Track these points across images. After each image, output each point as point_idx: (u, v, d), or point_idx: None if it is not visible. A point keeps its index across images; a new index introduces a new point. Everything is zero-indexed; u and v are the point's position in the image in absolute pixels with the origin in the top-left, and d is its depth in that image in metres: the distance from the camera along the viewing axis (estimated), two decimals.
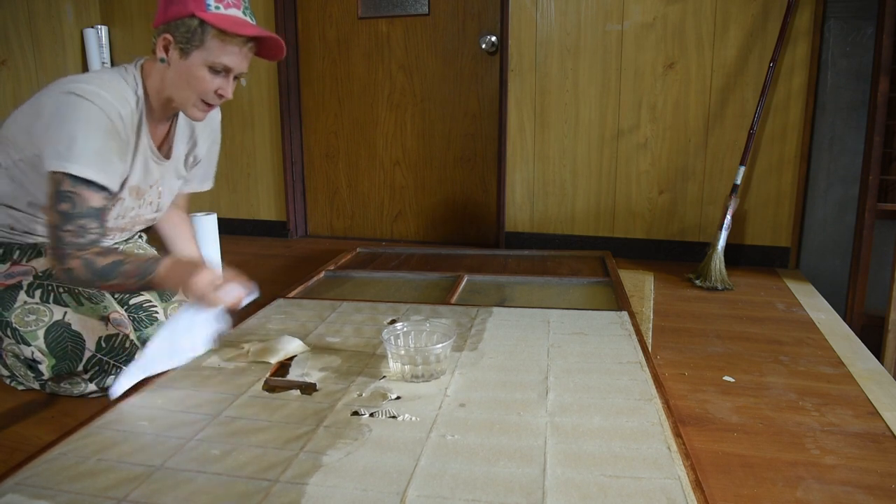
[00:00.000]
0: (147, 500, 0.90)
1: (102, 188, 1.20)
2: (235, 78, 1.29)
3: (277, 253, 2.78)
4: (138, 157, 1.31)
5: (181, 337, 1.25)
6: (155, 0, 1.25)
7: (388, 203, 3.04)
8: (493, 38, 2.69)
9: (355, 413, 1.15)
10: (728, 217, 2.26)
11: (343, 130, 3.03)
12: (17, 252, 1.34)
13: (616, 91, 2.52)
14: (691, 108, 2.46)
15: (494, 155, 2.81)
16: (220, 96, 1.28)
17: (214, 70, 1.24)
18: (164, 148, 1.40)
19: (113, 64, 3.16)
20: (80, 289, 1.35)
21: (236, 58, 1.24)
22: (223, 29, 1.19)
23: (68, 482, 0.94)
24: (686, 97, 2.45)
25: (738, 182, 2.29)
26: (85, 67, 3.09)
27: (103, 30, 3.10)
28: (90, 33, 3.05)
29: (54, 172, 1.16)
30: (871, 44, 2.22)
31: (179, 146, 1.44)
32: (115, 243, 1.52)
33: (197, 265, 1.22)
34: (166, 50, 1.24)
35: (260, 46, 1.29)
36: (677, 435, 1.06)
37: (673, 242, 2.57)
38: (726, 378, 1.42)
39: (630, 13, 2.45)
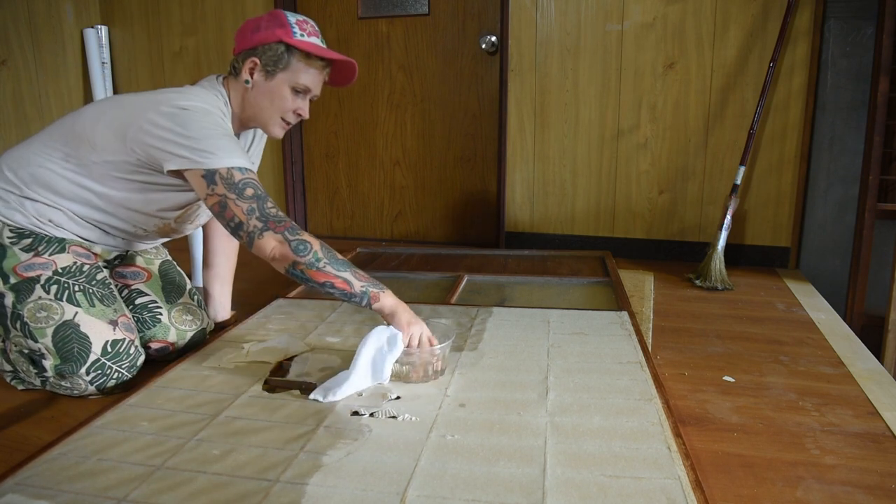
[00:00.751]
0: (147, 500, 0.90)
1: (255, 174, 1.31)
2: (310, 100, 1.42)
3: None
4: None
5: (382, 357, 1.25)
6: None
7: (388, 203, 3.04)
8: (493, 38, 2.69)
9: (355, 413, 1.15)
10: (728, 217, 2.26)
11: (343, 130, 3.03)
12: (44, 245, 1.35)
13: (616, 91, 2.52)
14: (691, 108, 2.46)
15: (494, 155, 2.81)
16: (299, 115, 1.41)
17: (296, 91, 1.38)
18: None
19: (113, 64, 3.16)
20: (94, 289, 1.36)
21: (315, 79, 1.39)
22: (308, 52, 1.34)
23: (68, 482, 0.94)
24: (686, 97, 2.45)
25: (738, 182, 2.29)
26: (85, 67, 3.09)
27: (103, 30, 3.10)
28: (90, 33, 3.05)
29: (215, 171, 1.23)
30: (871, 44, 2.22)
31: None
32: (153, 245, 1.61)
33: (413, 313, 1.30)
34: (252, 72, 1.36)
35: (332, 73, 1.43)
36: (677, 435, 1.06)
37: (673, 242, 2.57)
38: (726, 378, 1.42)
39: (630, 13, 2.45)
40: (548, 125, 2.62)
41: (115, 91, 3.18)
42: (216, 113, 1.32)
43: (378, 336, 1.25)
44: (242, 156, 1.27)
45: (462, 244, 2.92)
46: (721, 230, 2.26)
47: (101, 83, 3.09)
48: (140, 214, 1.41)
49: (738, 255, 2.46)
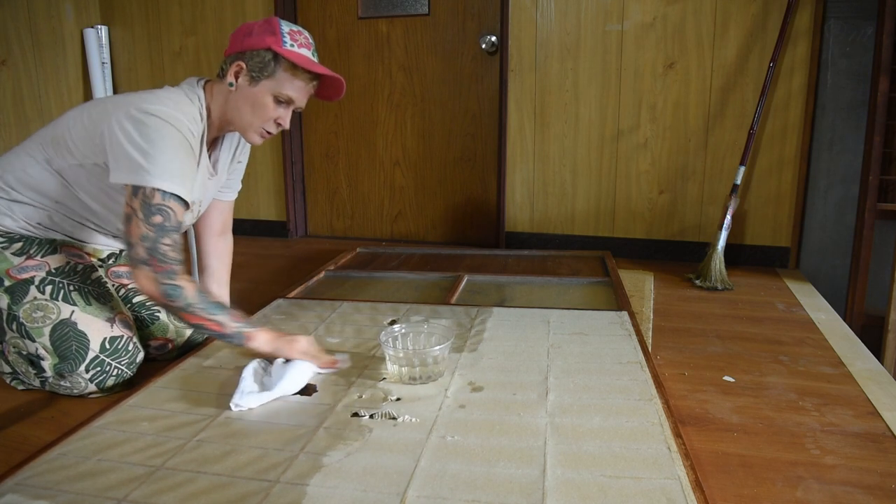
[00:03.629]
0: (147, 500, 0.90)
1: (186, 204, 1.27)
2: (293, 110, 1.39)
3: (277, 253, 2.79)
4: (199, 173, 1.38)
5: (292, 372, 1.26)
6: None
7: (388, 203, 3.04)
8: (493, 38, 2.69)
9: (355, 414, 1.15)
10: (728, 217, 2.26)
11: (343, 130, 3.03)
12: (35, 247, 1.36)
13: (616, 91, 2.52)
14: (691, 108, 2.46)
15: (494, 155, 2.81)
16: (279, 125, 1.38)
17: (278, 100, 1.34)
18: (212, 163, 1.48)
19: (113, 64, 3.16)
20: (89, 288, 1.37)
21: (300, 92, 1.35)
22: (295, 63, 1.30)
23: (68, 482, 0.94)
24: (686, 97, 2.45)
25: (738, 182, 2.29)
26: (85, 67, 3.09)
27: (103, 30, 3.10)
28: (90, 33, 3.05)
29: (142, 187, 1.20)
30: (871, 44, 2.22)
31: (224, 161, 1.52)
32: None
33: (293, 336, 1.31)
34: (237, 76, 1.33)
35: (320, 86, 1.41)
36: (677, 435, 1.06)
37: (673, 242, 2.57)
38: (726, 378, 1.42)
39: (630, 13, 2.45)
40: (548, 125, 2.62)
41: (115, 91, 3.18)
42: (184, 122, 1.27)
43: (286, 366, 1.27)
44: (179, 181, 1.23)
45: (462, 244, 2.92)
46: (721, 230, 2.26)
47: (101, 83, 3.10)
48: (117, 217, 1.39)
49: (738, 255, 2.46)
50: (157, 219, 1.20)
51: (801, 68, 2.31)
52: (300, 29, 1.35)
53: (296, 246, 2.95)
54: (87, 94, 3.11)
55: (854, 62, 2.27)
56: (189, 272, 1.70)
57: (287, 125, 1.38)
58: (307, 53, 1.34)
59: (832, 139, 2.34)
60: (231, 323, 1.25)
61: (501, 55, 2.62)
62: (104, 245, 1.49)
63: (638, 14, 2.44)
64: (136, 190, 1.20)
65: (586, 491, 0.91)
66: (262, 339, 1.28)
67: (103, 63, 3.11)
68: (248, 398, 1.18)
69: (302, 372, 1.25)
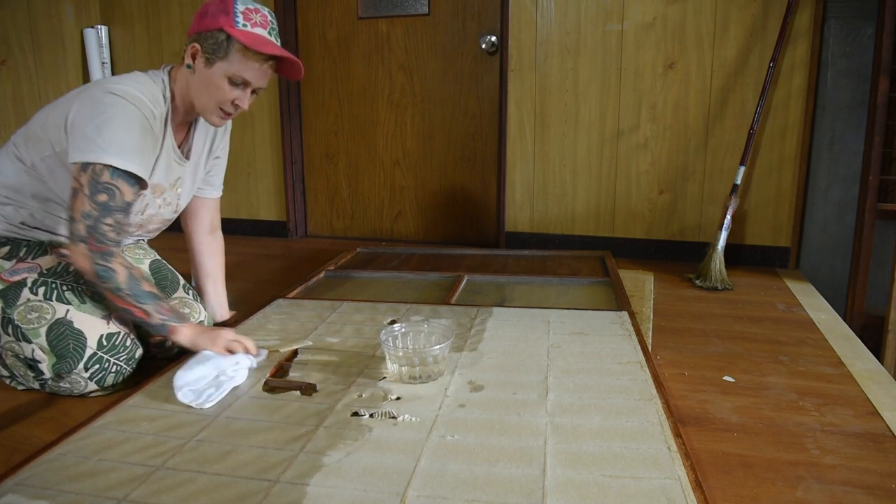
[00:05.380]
0: (147, 500, 0.90)
1: (138, 182, 1.26)
2: (253, 91, 1.37)
3: (277, 253, 2.78)
4: (162, 155, 1.38)
5: (225, 364, 1.30)
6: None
7: (388, 203, 3.04)
8: (493, 38, 2.69)
9: (355, 414, 1.15)
10: (728, 217, 2.26)
11: (343, 130, 3.03)
12: (24, 249, 1.36)
13: (616, 91, 2.52)
14: (691, 108, 2.46)
15: (494, 155, 2.81)
16: (237, 106, 1.36)
17: (233, 82, 1.32)
18: (183, 149, 1.47)
19: (113, 64, 3.16)
20: (83, 287, 1.37)
21: (255, 73, 1.32)
22: (247, 45, 1.28)
23: (68, 482, 0.94)
24: (686, 97, 2.45)
25: (738, 182, 2.29)
26: (85, 67, 3.09)
27: (103, 30, 3.10)
28: (90, 33, 3.05)
29: (92, 164, 1.20)
30: (871, 44, 2.22)
31: (197, 149, 1.51)
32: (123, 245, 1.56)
33: (218, 330, 1.34)
34: (193, 57, 1.32)
35: (280, 65, 1.38)
36: (677, 435, 1.06)
37: (673, 242, 2.57)
38: (726, 378, 1.42)
39: (630, 13, 2.45)
40: (548, 125, 2.62)
41: None
42: (145, 102, 1.28)
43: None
44: (132, 162, 1.23)
45: (462, 244, 2.92)
46: (721, 230, 2.26)
47: None
48: None
49: (738, 255, 2.46)
50: (103, 197, 1.20)
51: (801, 68, 2.31)
52: (258, 7, 1.32)
53: (296, 246, 2.95)
54: None
55: (854, 62, 2.27)
56: (191, 275, 1.71)
57: (245, 106, 1.36)
58: (262, 33, 1.31)
59: (832, 139, 2.34)
60: (157, 314, 1.28)
61: (501, 55, 2.62)
62: None
63: (638, 14, 2.44)
64: (85, 166, 1.21)
65: (586, 490, 0.91)
66: (184, 333, 1.31)
67: (103, 63, 3.11)
68: (203, 397, 1.21)
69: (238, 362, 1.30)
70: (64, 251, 1.40)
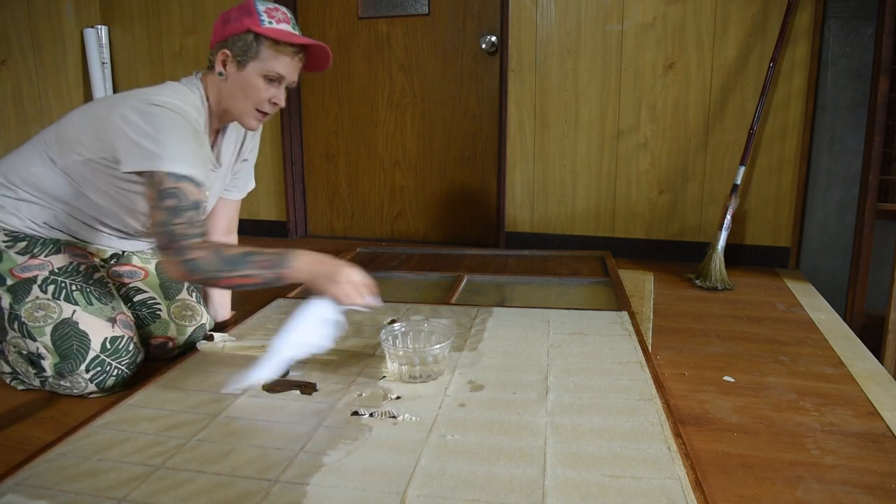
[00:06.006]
0: (147, 500, 0.90)
1: (198, 184, 1.26)
2: (286, 88, 1.39)
3: None
4: (206, 163, 1.39)
5: (310, 329, 1.24)
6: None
7: (388, 203, 3.04)
8: (493, 38, 2.69)
9: (355, 413, 1.15)
10: (728, 217, 2.26)
11: (343, 130, 3.03)
12: (39, 247, 1.36)
13: (616, 91, 2.52)
14: (691, 108, 2.46)
15: (494, 155, 2.81)
16: (274, 104, 1.39)
17: (269, 79, 1.35)
18: (214, 154, 1.49)
19: (113, 64, 3.16)
20: (91, 288, 1.37)
21: (288, 66, 1.35)
22: (276, 39, 1.31)
23: (68, 482, 0.94)
24: (686, 97, 2.45)
25: (738, 182, 2.29)
26: (85, 67, 3.08)
27: (103, 30, 3.10)
28: (90, 33, 3.05)
29: (152, 173, 1.21)
30: (871, 44, 2.22)
31: (227, 153, 1.53)
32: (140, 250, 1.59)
33: (337, 260, 1.27)
34: (224, 64, 1.35)
35: (307, 58, 1.40)
36: (677, 435, 1.06)
37: (673, 242, 2.57)
38: (726, 378, 1.42)
39: (630, 13, 2.45)
40: (548, 125, 2.62)
41: (115, 91, 3.18)
42: (188, 109, 1.31)
43: (308, 312, 1.23)
44: (189, 163, 1.24)
45: (462, 244, 2.92)
46: (721, 230, 2.26)
47: (101, 83, 3.09)
48: (126, 213, 1.41)
49: (738, 255, 2.46)
50: (170, 202, 1.21)
51: (801, 68, 2.31)
52: (276, 5, 1.35)
53: (296, 246, 2.94)
54: (87, 94, 3.11)
55: (854, 62, 2.27)
56: None
57: (283, 103, 1.39)
58: (287, 27, 1.34)
59: (832, 139, 2.34)
60: (263, 272, 1.22)
61: (501, 55, 2.62)
62: (107, 246, 1.50)
63: (638, 14, 2.44)
64: (150, 178, 1.22)
65: (586, 490, 0.91)
66: (300, 271, 1.24)
67: (103, 63, 3.11)
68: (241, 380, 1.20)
69: (317, 323, 1.23)
70: (76, 250, 1.41)
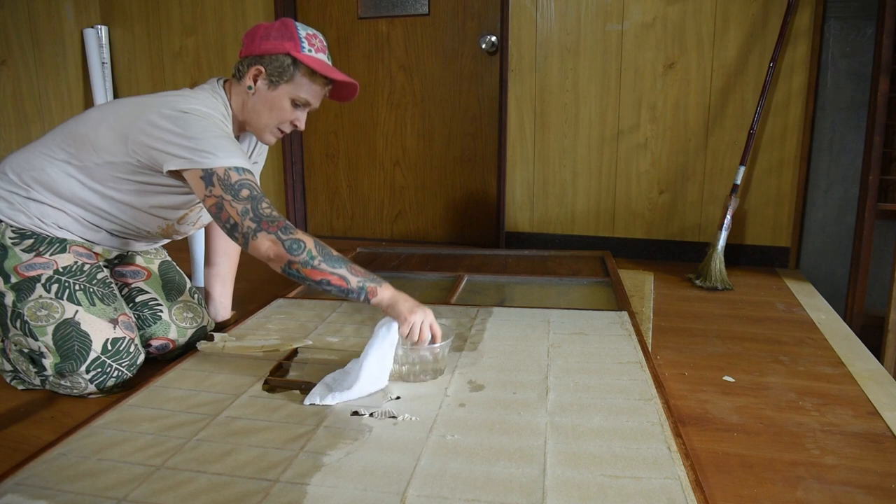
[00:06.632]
0: (147, 500, 0.90)
1: (254, 175, 1.30)
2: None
3: None
4: None
5: (383, 362, 1.24)
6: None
7: (388, 203, 3.04)
8: (493, 38, 2.69)
9: (355, 413, 1.15)
10: (728, 217, 2.26)
11: (343, 130, 3.03)
12: (45, 245, 1.36)
13: (616, 91, 2.52)
14: (691, 108, 2.46)
15: (494, 155, 2.81)
16: (295, 126, 1.43)
17: (295, 103, 1.40)
18: None
19: (113, 64, 3.16)
20: (95, 289, 1.36)
21: (317, 95, 1.42)
22: (315, 70, 1.36)
23: (68, 482, 0.94)
24: (686, 97, 2.45)
25: (738, 182, 2.29)
26: (85, 67, 3.09)
27: (103, 30, 3.10)
28: (90, 33, 3.05)
29: (212, 171, 1.24)
30: (871, 44, 2.22)
31: None
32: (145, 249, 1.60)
33: (418, 302, 1.28)
34: (255, 79, 1.38)
35: (334, 88, 1.46)
36: (677, 435, 1.06)
37: (673, 242, 2.57)
38: (726, 378, 1.42)
39: (630, 13, 2.45)
40: (548, 125, 2.62)
41: (115, 91, 3.18)
42: (216, 115, 1.34)
43: (382, 336, 1.24)
44: (241, 156, 1.28)
45: (462, 244, 2.92)
46: (721, 230, 2.26)
47: (101, 83, 3.09)
48: (142, 215, 1.42)
49: (738, 255, 2.46)
50: (245, 192, 1.24)
51: (801, 68, 2.31)
52: (315, 32, 1.39)
53: None
54: (87, 94, 3.11)
55: (854, 62, 2.27)
56: (191, 275, 1.71)
57: (303, 126, 1.43)
58: (323, 58, 1.39)
59: (832, 139, 2.34)
60: (354, 278, 1.23)
61: (501, 55, 2.62)
62: (113, 247, 1.50)
63: (638, 14, 2.44)
64: (209, 178, 1.24)
65: (586, 490, 0.91)
66: (384, 295, 1.26)
67: (103, 63, 3.11)
68: (324, 396, 1.20)
69: (380, 364, 1.23)
70: (81, 249, 1.40)
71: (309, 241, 1.23)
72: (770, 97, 2.35)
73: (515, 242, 2.75)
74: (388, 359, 1.24)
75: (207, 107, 1.33)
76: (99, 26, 3.09)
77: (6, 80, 2.79)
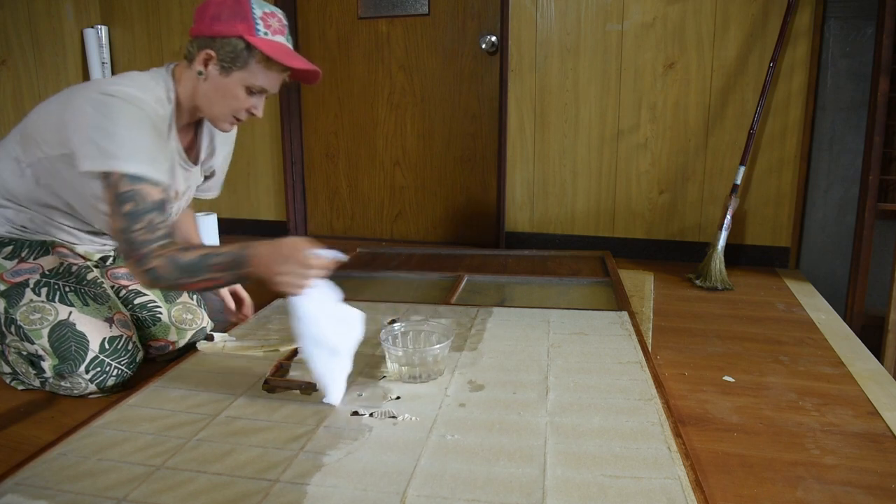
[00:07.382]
0: (147, 500, 0.90)
1: (157, 183, 1.19)
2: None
3: None
4: (169, 157, 1.31)
5: (328, 324, 1.18)
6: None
7: (388, 203, 3.04)
8: (493, 38, 2.69)
9: (355, 413, 1.15)
10: (728, 217, 2.26)
11: (343, 130, 3.03)
12: (26, 250, 1.35)
13: (616, 91, 2.52)
14: (691, 108, 2.46)
15: (494, 155, 2.81)
16: (251, 114, 1.31)
17: (251, 91, 1.28)
18: (191, 154, 1.42)
19: (113, 64, 3.16)
20: (86, 289, 1.36)
21: (275, 81, 1.29)
22: (270, 56, 1.22)
23: (68, 482, 0.94)
24: (686, 97, 2.45)
25: (738, 182, 2.29)
26: (85, 67, 3.09)
27: (103, 30, 3.10)
28: (90, 33, 3.05)
29: (107, 174, 1.15)
30: (871, 44, 2.22)
31: (202, 153, 1.46)
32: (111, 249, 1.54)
33: (279, 241, 1.17)
34: (206, 64, 1.25)
35: (295, 71, 1.31)
36: (677, 435, 1.06)
37: (673, 242, 2.57)
38: (726, 378, 1.42)
39: (630, 13, 2.45)
40: (548, 125, 2.62)
41: None
42: (146, 99, 1.21)
43: (303, 304, 1.16)
44: (145, 160, 1.17)
45: (462, 244, 2.92)
46: (721, 230, 2.26)
47: None
48: (97, 211, 1.34)
49: (738, 255, 2.46)
50: (128, 206, 1.15)
51: (801, 68, 2.31)
52: (274, 10, 1.26)
53: None
54: None
55: (854, 62, 2.27)
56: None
57: (260, 113, 1.32)
58: (282, 40, 1.26)
59: (832, 139, 2.34)
60: (221, 273, 1.16)
61: (501, 55, 2.62)
62: (89, 246, 1.46)
63: (638, 14, 2.44)
64: (105, 178, 1.15)
65: (586, 490, 0.91)
66: (257, 270, 1.15)
67: (103, 63, 3.11)
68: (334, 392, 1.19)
69: (330, 320, 1.17)
70: (64, 250, 1.40)
71: (163, 266, 1.14)
72: (770, 97, 2.35)
73: (515, 242, 2.75)
74: (331, 307, 1.18)
75: (140, 90, 1.21)
76: (99, 26, 3.09)
77: (6, 80, 2.79)
